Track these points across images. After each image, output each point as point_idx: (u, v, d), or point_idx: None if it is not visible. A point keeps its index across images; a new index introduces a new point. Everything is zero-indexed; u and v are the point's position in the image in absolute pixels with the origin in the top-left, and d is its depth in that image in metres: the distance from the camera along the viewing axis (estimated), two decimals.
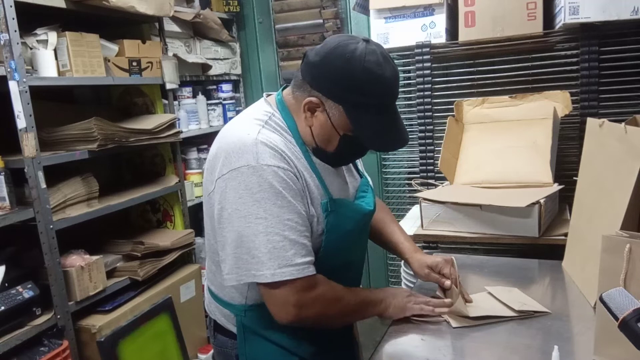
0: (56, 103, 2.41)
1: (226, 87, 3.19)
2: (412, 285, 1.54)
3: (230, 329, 1.23)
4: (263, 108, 1.16)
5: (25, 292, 1.88)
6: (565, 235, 1.56)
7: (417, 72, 2.26)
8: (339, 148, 1.13)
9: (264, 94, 1.22)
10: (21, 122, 1.87)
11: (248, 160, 1.03)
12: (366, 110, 1.06)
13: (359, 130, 1.09)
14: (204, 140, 3.00)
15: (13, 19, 1.82)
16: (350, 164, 1.31)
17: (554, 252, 1.58)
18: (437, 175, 2.27)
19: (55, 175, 2.07)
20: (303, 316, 1.07)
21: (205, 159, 2.99)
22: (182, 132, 2.68)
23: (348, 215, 1.17)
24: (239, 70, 3.37)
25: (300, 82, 1.12)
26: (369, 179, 1.35)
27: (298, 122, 1.14)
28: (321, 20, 3.17)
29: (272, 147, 1.05)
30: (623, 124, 1.21)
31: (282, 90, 1.20)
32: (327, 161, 1.17)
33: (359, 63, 1.03)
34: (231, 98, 3.22)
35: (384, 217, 1.46)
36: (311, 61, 1.08)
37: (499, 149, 1.97)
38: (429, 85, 2.26)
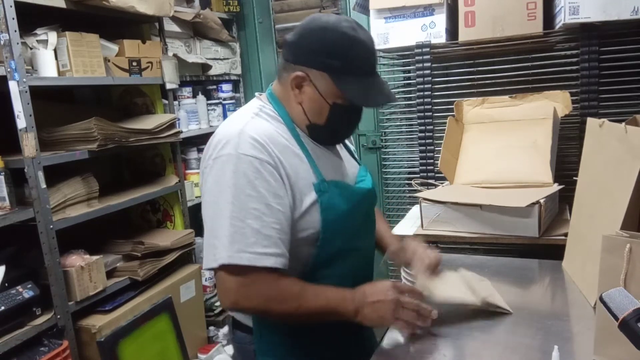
0: (56, 103, 2.41)
1: (226, 87, 3.19)
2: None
3: (247, 324, 1.25)
4: (255, 104, 1.22)
5: (25, 292, 1.88)
6: (565, 235, 1.56)
7: (417, 72, 2.26)
8: (331, 119, 1.16)
9: (256, 94, 1.28)
10: (21, 122, 1.87)
11: (229, 150, 1.07)
12: (349, 72, 1.11)
13: (345, 90, 1.12)
14: (204, 140, 2.97)
15: (13, 19, 1.82)
16: (348, 154, 1.34)
17: (554, 252, 1.58)
18: (437, 175, 2.27)
19: (55, 175, 2.07)
20: (243, 305, 1.10)
21: None
22: (182, 132, 2.68)
23: (344, 195, 1.18)
24: (239, 70, 3.37)
25: (283, 65, 1.17)
26: (366, 168, 1.40)
27: (288, 108, 1.19)
28: None
29: (254, 138, 1.08)
30: (623, 124, 1.21)
31: (271, 86, 1.26)
32: (324, 139, 1.21)
33: (336, 29, 1.09)
34: (231, 98, 3.22)
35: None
36: (290, 41, 1.15)
37: (499, 149, 1.97)
38: (429, 85, 2.26)
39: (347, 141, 1.39)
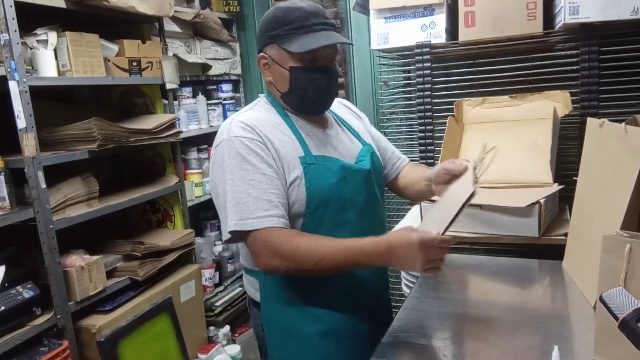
0: (56, 103, 2.41)
1: (226, 87, 3.19)
2: (412, 286, 1.54)
3: (259, 300, 1.33)
4: (255, 101, 1.37)
5: (25, 292, 1.88)
6: (565, 235, 1.56)
7: (417, 72, 2.26)
8: (293, 82, 1.25)
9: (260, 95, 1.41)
10: (21, 122, 1.87)
11: (223, 136, 1.23)
12: (292, 34, 1.22)
13: (289, 47, 1.21)
14: (204, 140, 3.00)
15: (13, 19, 1.82)
16: (353, 135, 1.41)
17: (554, 252, 1.58)
18: None
19: (55, 175, 2.07)
20: (271, 265, 1.17)
21: (205, 158, 3.01)
22: (182, 132, 2.68)
23: (331, 168, 1.25)
24: (239, 70, 3.37)
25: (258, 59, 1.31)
26: (373, 146, 1.43)
27: (270, 92, 1.33)
28: None
29: (243, 122, 1.22)
30: (623, 124, 1.21)
31: None
32: (301, 107, 1.30)
33: (278, 6, 1.25)
34: (231, 98, 3.22)
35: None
36: (257, 35, 1.33)
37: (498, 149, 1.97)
38: (429, 85, 2.26)
39: (356, 122, 1.47)
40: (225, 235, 1.19)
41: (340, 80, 3.23)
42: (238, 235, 1.18)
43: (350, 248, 1.13)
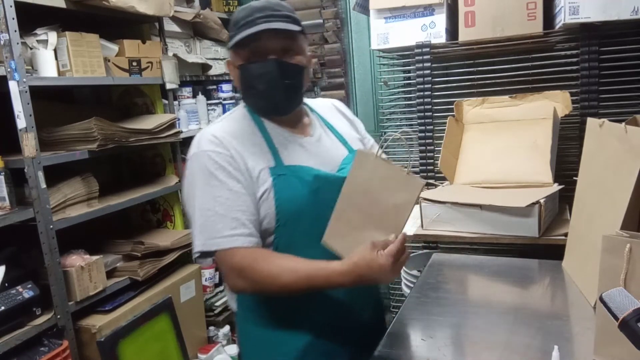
0: (56, 103, 2.41)
1: (226, 87, 3.19)
2: (412, 286, 1.54)
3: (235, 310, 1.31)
4: (234, 108, 1.32)
5: (25, 292, 1.88)
6: (565, 235, 1.56)
7: (417, 72, 2.26)
8: (242, 80, 1.20)
9: None
10: (21, 122, 1.87)
11: (193, 150, 1.18)
12: (238, 32, 1.15)
13: (231, 42, 1.17)
14: None
15: (13, 19, 1.82)
16: (339, 140, 1.31)
17: (554, 252, 1.58)
18: (437, 175, 2.27)
19: (55, 175, 2.07)
20: (238, 286, 1.14)
21: None
22: (182, 132, 2.68)
23: (302, 178, 1.17)
24: None
25: None
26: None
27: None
28: (321, 20, 3.17)
29: (213, 135, 1.17)
30: (623, 124, 1.21)
31: None
32: (261, 107, 1.23)
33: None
34: (231, 98, 3.22)
35: None
36: None
37: (499, 149, 1.97)
38: (429, 85, 2.26)
39: (345, 127, 1.36)
40: (195, 254, 1.15)
41: (340, 80, 3.23)
42: (207, 254, 1.14)
43: (313, 276, 1.07)
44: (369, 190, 1.09)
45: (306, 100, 1.34)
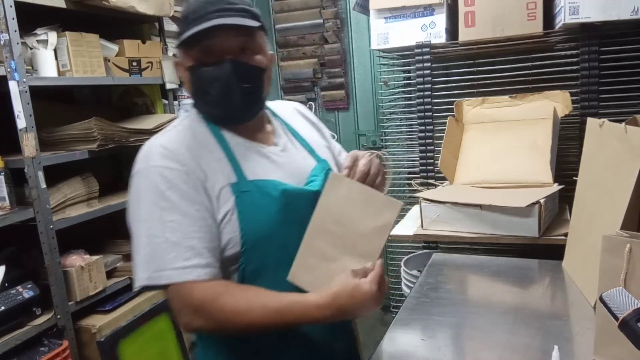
0: (56, 103, 2.41)
1: None
2: (412, 286, 1.54)
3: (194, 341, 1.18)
4: (186, 113, 1.15)
5: (25, 292, 1.88)
6: (565, 235, 1.56)
7: (417, 72, 2.26)
8: (193, 83, 1.05)
9: None
10: (21, 122, 1.87)
11: (140, 165, 1.01)
12: (187, 28, 0.99)
13: (179, 40, 1.01)
14: None
15: (13, 19, 1.82)
16: (305, 150, 1.17)
17: (554, 252, 1.58)
18: (437, 175, 2.27)
19: (55, 175, 2.07)
20: (194, 326, 0.97)
21: None
22: None
23: (269, 193, 1.02)
24: None
25: None
26: (330, 164, 1.19)
27: None
28: (321, 20, 3.17)
29: (164, 147, 1.00)
30: (623, 124, 1.21)
31: None
32: (216, 114, 1.07)
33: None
34: None
35: None
36: None
37: (499, 149, 1.97)
38: (429, 85, 2.26)
39: (307, 132, 1.22)
40: (136, 287, 0.97)
41: (340, 80, 3.24)
42: (152, 287, 0.95)
43: (287, 312, 0.93)
44: (342, 216, 1.00)
45: (268, 103, 1.18)
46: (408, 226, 1.94)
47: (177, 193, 0.97)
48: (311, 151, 1.18)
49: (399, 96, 2.60)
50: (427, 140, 2.29)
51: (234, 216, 0.99)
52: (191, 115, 1.10)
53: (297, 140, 1.18)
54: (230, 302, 0.93)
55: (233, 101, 1.03)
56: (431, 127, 2.28)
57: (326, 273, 0.97)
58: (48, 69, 2.04)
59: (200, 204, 0.98)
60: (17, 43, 1.84)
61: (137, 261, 0.97)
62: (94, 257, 2.16)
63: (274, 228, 1.02)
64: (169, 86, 2.61)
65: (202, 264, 0.95)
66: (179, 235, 0.95)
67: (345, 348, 1.18)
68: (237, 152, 1.05)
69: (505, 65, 2.18)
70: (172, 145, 1.00)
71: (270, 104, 1.21)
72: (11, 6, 1.81)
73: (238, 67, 1.01)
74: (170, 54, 2.69)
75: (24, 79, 1.87)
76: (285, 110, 1.25)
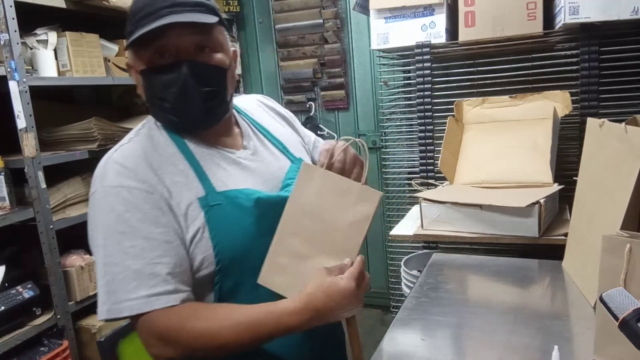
0: (56, 103, 2.41)
1: None
2: (412, 286, 1.54)
3: None
4: (144, 120, 1.04)
5: (25, 292, 1.89)
6: (565, 235, 1.56)
7: (417, 72, 2.26)
8: (147, 88, 0.95)
9: None
10: (21, 122, 1.87)
11: (96, 185, 0.92)
12: (136, 27, 0.90)
13: (128, 40, 0.91)
14: None
15: (13, 19, 1.82)
16: (279, 150, 1.09)
17: (554, 252, 1.58)
18: (437, 175, 2.27)
19: (55, 175, 2.08)
20: (164, 356, 0.90)
21: None
22: None
23: (242, 204, 0.94)
24: (239, 71, 3.35)
25: None
26: (307, 159, 1.12)
27: None
28: (321, 20, 3.17)
29: (121, 164, 0.91)
30: (623, 124, 1.21)
31: None
32: (173, 123, 0.97)
33: None
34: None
35: None
36: None
37: (499, 149, 1.97)
38: (429, 85, 2.26)
39: (276, 128, 1.14)
40: (99, 319, 0.90)
41: (340, 80, 3.24)
42: (117, 318, 0.89)
43: (260, 325, 0.85)
44: (317, 209, 0.91)
45: (234, 99, 1.09)
46: (408, 226, 1.94)
47: (137, 215, 0.88)
48: (284, 150, 1.10)
49: (399, 96, 2.60)
50: (427, 140, 2.29)
51: (205, 234, 0.91)
52: (149, 122, 1.00)
53: (268, 140, 1.09)
54: (199, 325, 0.86)
55: (192, 107, 0.94)
56: (431, 127, 2.28)
57: (300, 273, 0.89)
58: (48, 69, 2.04)
59: (164, 225, 0.89)
60: (17, 43, 1.84)
61: (98, 291, 0.90)
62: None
63: (249, 242, 0.94)
64: None
65: (169, 290, 0.88)
66: (141, 262, 0.87)
67: (333, 353, 1.15)
68: (203, 162, 0.96)
69: (505, 65, 2.18)
70: (130, 161, 0.92)
71: (234, 101, 1.11)
72: (11, 6, 1.81)
73: (196, 69, 0.91)
74: None
75: (24, 79, 1.87)
76: (250, 105, 1.16)
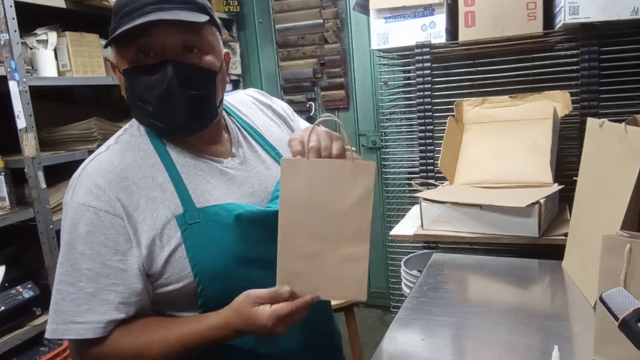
0: (56, 103, 2.41)
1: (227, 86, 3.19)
2: (412, 286, 1.54)
3: None
4: (126, 125, 1.00)
5: (25, 292, 1.89)
6: (565, 235, 1.56)
7: (417, 72, 2.26)
8: (129, 89, 0.90)
9: None
10: (21, 122, 1.87)
11: (67, 197, 0.90)
12: (119, 24, 0.85)
13: (110, 37, 0.86)
14: None
15: (13, 19, 1.82)
16: (267, 153, 1.03)
17: (554, 252, 1.58)
18: (437, 175, 2.27)
19: (55, 175, 2.07)
20: None
21: None
22: None
23: (223, 222, 0.89)
24: (239, 70, 3.37)
25: None
26: None
27: None
28: (321, 20, 3.17)
29: (93, 181, 0.88)
30: (623, 124, 1.21)
31: None
32: (158, 128, 0.91)
33: None
34: None
35: None
36: None
37: (499, 149, 1.97)
38: (429, 85, 2.26)
39: (269, 126, 1.08)
40: (45, 336, 0.90)
41: (340, 80, 3.24)
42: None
43: (188, 339, 0.85)
44: (312, 203, 0.84)
45: (225, 97, 1.03)
46: (408, 226, 1.94)
47: (100, 238, 0.85)
48: (277, 156, 1.03)
49: (399, 96, 2.60)
50: (427, 140, 2.29)
51: (182, 253, 0.87)
52: (131, 128, 0.96)
53: (259, 146, 1.03)
54: (127, 343, 0.86)
55: (177, 112, 0.87)
56: (431, 127, 2.28)
57: (323, 271, 0.84)
58: (48, 69, 2.04)
59: (124, 253, 0.86)
60: (17, 43, 1.84)
61: (50, 306, 0.89)
62: None
63: (230, 260, 0.89)
64: None
65: (118, 319, 0.86)
66: (96, 286, 0.85)
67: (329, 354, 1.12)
68: (185, 174, 0.91)
69: (505, 65, 2.18)
70: (102, 177, 0.87)
71: (225, 98, 1.05)
72: (11, 6, 1.82)
73: (182, 70, 0.85)
74: None
75: (24, 79, 1.87)
76: (242, 104, 1.10)
